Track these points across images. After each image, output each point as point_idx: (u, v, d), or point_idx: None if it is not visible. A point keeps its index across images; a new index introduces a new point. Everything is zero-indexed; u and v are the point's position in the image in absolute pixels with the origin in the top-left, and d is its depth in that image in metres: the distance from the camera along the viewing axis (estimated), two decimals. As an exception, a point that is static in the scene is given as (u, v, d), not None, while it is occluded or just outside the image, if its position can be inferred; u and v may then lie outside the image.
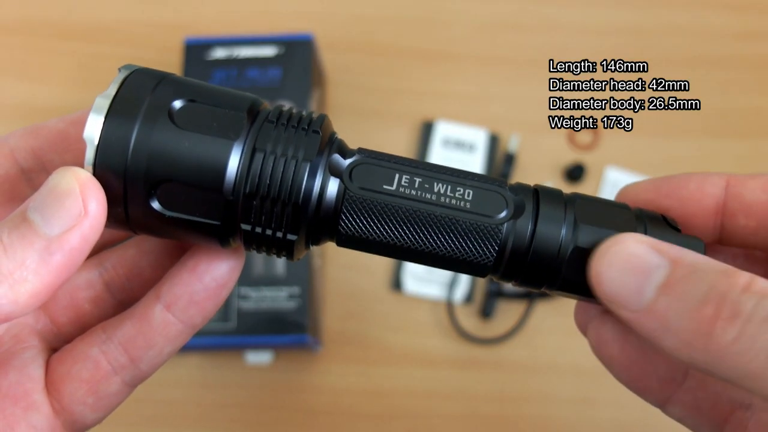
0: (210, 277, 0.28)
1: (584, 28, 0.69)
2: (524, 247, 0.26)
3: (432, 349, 0.60)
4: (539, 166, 0.65)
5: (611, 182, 0.64)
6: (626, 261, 0.25)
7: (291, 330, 0.55)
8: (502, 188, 0.27)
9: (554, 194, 0.27)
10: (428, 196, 0.26)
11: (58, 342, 0.30)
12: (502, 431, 0.58)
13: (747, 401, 0.28)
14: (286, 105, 0.27)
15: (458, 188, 0.26)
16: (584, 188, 0.64)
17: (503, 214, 0.26)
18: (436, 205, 0.26)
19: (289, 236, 0.25)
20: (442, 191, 0.26)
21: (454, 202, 0.26)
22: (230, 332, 0.55)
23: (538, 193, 0.27)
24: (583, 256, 0.26)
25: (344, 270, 0.63)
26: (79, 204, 0.23)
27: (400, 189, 0.26)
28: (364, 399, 0.59)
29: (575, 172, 0.64)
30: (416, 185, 0.26)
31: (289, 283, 0.56)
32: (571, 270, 0.26)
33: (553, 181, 0.65)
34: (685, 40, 0.68)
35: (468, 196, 0.26)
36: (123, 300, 0.31)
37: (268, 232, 0.25)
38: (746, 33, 0.69)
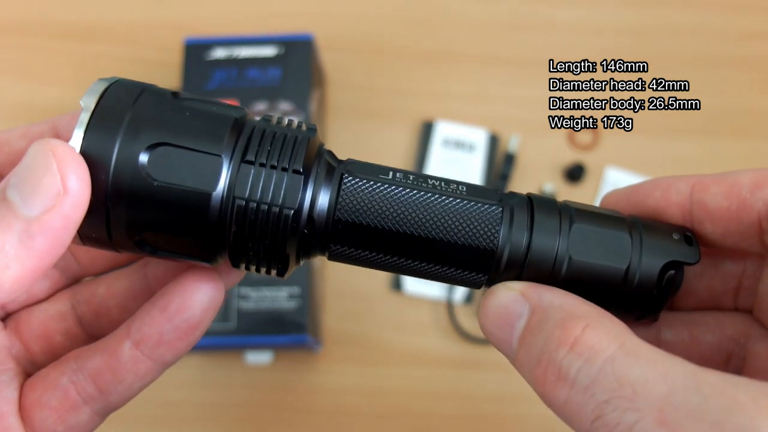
0: (181, 319, 0.26)
1: (584, 28, 0.69)
2: (522, 252, 0.26)
3: (432, 349, 0.60)
4: (539, 166, 0.65)
5: (611, 182, 0.64)
6: (496, 313, 0.25)
7: (291, 330, 0.55)
8: (494, 188, 0.28)
9: (547, 201, 0.28)
10: (424, 185, 0.27)
11: (32, 369, 0.29)
12: (502, 431, 0.58)
13: None
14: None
15: (451, 184, 0.27)
16: (584, 188, 0.64)
17: (497, 203, 0.27)
18: (432, 193, 0.26)
19: (286, 210, 0.24)
20: (436, 184, 0.27)
21: (450, 190, 0.27)
22: (230, 332, 0.55)
23: (531, 201, 0.28)
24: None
25: (344, 270, 0.63)
26: (57, 181, 0.21)
27: (396, 178, 0.27)
28: (363, 399, 0.59)
29: (575, 172, 0.64)
30: (410, 179, 0.27)
31: (289, 283, 0.56)
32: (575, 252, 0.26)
33: (553, 181, 0.65)
34: (685, 40, 0.68)
35: (462, 188, 0.27)
36: (94, 335, 0.30)
37: (264, 207, 0.24)
38: (746, 33, 0.69)
